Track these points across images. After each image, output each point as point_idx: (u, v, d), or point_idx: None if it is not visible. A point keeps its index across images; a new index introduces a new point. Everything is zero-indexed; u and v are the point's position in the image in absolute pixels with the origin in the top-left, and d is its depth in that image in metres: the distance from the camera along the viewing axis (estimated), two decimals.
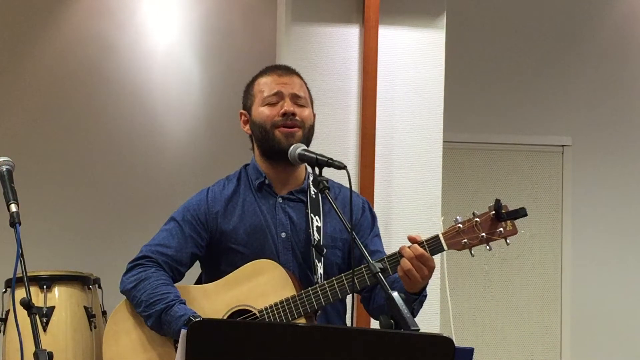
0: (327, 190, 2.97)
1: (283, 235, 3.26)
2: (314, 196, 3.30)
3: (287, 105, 3.26)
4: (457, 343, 2.33)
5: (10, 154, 3.13)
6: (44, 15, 5.65)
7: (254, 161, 3.37)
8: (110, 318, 3.34)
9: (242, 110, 3.38)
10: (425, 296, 3.21)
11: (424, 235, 3.12)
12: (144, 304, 3.18)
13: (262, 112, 3.28)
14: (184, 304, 3.15)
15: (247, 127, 3.35)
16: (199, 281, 3.43)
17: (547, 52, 6.20)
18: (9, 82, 5.63)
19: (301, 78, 3.40)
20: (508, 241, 3.13)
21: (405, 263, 3.03)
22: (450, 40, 4.69)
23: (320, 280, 3.19)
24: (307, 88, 3.40)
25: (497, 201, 3.11)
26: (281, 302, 3.13)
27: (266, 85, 3.31)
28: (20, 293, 2.89)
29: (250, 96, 3.35)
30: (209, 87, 5.74)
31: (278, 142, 3.24)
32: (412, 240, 3.08)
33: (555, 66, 6.21)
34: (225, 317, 3.16)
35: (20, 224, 2.89)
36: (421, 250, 3.04)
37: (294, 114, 3.25)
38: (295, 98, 3.29)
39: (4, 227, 3.05)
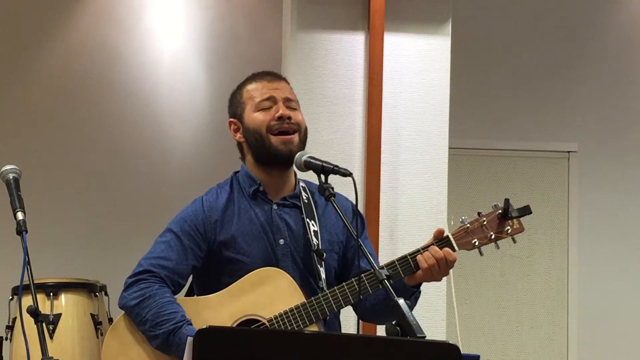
0: (333, 198, 2.97)
1: (281, 242, 3.23)
2: (306, 201, 3.29)
3: (282, 109, 3.23)
4: (464, 350, 2.33)
5: (16, 161, 3.13)
6: (51, 21, 5.67)
7: (245, 169, 3.32)
8: (108, 335, 3.25)
9: (231, 119, 3.33)
10: (420, 292, 3.23)
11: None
12: (149, 323, 3.11)
13: (256, 117, 3.24)
14: (191, 324, 3.09)
15: (239, 134, 3.30)
16: (189, 295, 3.36)
17: (552, 58, 6.21)
18: (16, 89, 5.64)
19: (288, 84, 3.37)
20: (515, 239, 3.17)
21: (430, 260, 3.08)
22: (455, 46, 4.70)
23: (325, 285, 3.18)
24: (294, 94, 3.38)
25: (507, 200, 3.17)
26: (291, 309, 3.11)
27: (257, 91, 3.27)
28: (27, 300, 2.90)
29: (239, 104, 3.30)
30: (214, 94, 5.74)
31: (275, 149, 3.22)
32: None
33: (561, 72, 6.22)
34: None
35: (27, 231, 2.90)
36: (455, 256, 3.10)
37: (289, 118, 3.22)
38: (288, 102, 3.27)
39: (11, 235, 3.06)
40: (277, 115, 3.22)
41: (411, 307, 3.07)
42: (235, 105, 3.33)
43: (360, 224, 3.37)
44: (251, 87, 3.30)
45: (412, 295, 3.16)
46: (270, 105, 3.25)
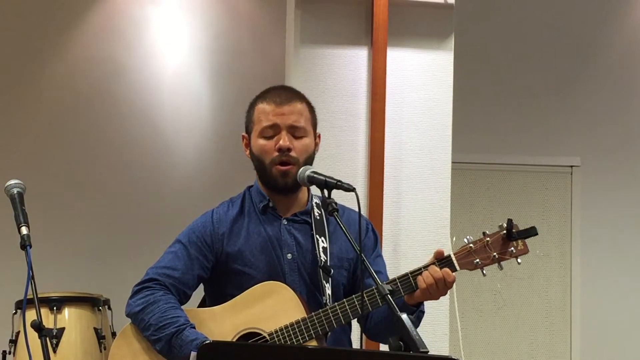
0: (336, 213, 2.97)
1: (289, 256, 3.25)
2: (318, 217, 3.30)
3: (283, 141, 3.22)
4: None
5: (20, 176, 3.14)
6: (54, 36, 5.68)
7: (257, 184, 3.36)
8: (114, 343, 3.29)
9: (244, 134, 3.36)
10: (423, 312, 3.23)
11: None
12: (152, 327, 3.15)
13: (259, 144, 3.26)
14: (194, 328, 3.13)
15: (248, 151, 3.34)
16: (202, 304, 3.40)
17: (555, 73, 6.22)
18: (19, 104, 5.65)
19: (302, 101, 3.33)
20: (519, 260, 3.16)
21: (429, 279, 3.06)
22: (458, 61, 4.70)
23: (329, 301, 3.18)
24: (310, 110, 3.34)
25: (510, 221, 3.14)
26: (292, 324, 3.12)
27: (264, 115, 3.26)
28: (31, 314, 2.90)
29: (250, 121, 3.32)
30: (218, 108, 5.76)
31: (274, 180, 3.24)
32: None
33: (564, 87, 6.22)
34: (234, 340, 3.14)
35: (31, 246, 2.91)
36: (453, 277, 3.08)
37: (289, 149, 3.22)
38: (292, 130, 3.25)
39: (14, 249, 3.07)
40: (277, 146, 3.22)
41: (415, 326, 3.08)
42: (248, 120, 3.35)
43: (373, 240, 3.40)
44: (261, 107, 3.29)
45: (414, 314, 3.15)
46: (273, 134, 3.24)
